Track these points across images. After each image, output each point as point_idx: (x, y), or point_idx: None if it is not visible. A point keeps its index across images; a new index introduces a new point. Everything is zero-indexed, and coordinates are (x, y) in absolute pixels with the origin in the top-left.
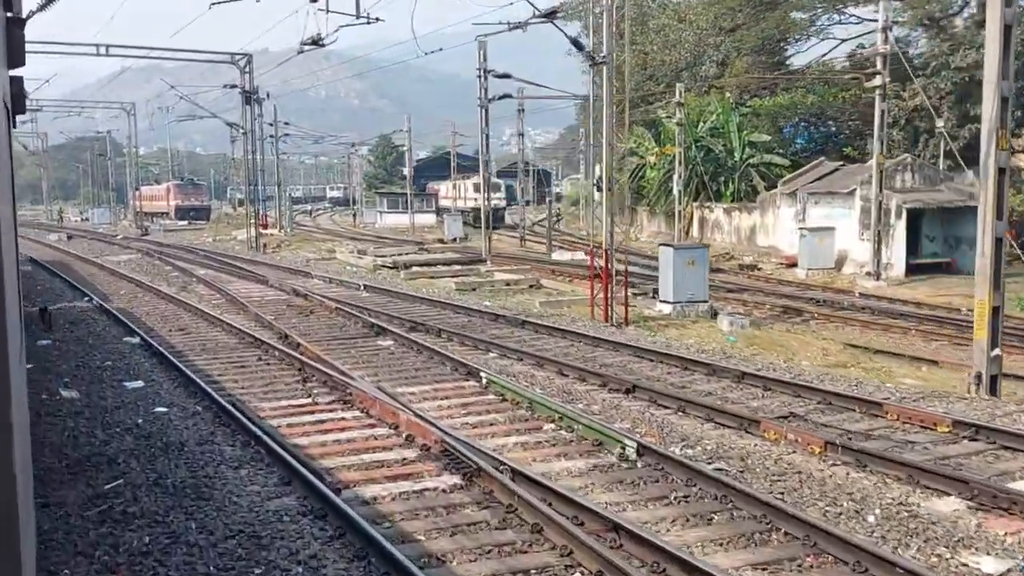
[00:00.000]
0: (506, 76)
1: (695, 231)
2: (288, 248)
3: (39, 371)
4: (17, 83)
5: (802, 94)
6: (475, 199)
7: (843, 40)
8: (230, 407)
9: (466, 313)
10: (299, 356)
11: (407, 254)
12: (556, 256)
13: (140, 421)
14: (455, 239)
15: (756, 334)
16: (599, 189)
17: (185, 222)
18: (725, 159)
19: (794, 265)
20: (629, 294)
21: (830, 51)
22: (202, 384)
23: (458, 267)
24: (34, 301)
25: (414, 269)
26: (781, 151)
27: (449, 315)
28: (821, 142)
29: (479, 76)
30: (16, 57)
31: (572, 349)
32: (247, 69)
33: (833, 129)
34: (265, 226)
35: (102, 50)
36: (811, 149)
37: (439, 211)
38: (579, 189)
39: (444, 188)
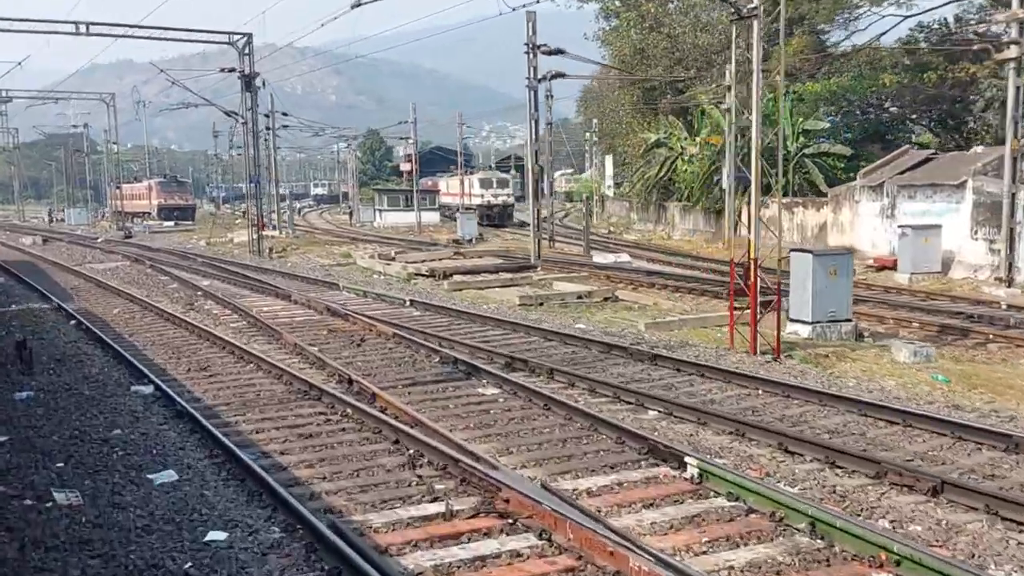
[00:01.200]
0: (559, 52)
1: (744, 229)
2: (296, 252)
3: (18, 449)
4: None
5: (849, 79)
6: (481, 195)
7: (899, 21)
8: (333, 536)
9: (561, 340)
10: (383, 416)
11: (440, 259)
12: (597, 259)
13: (189, 567)
14: (470, 239)
15: (959, 368)
16: (617, 185)
17: (171, 223)
18: (777, 148)
19: (886, 268)
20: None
21: (887, 31)
22: (271, 483)
23: (507, 275)
24: (7, 326)
25: (456, 278)
26: (837, 140)
27: (539, 343)
28: (869, 130)
29: (527, 52)
30: None
31: (755, 401)
32: (246, 50)
33: (874, 116)
34: (263, 227)
35: (81, 28)
36: (856, 138)
37: (441, 209)
38: (592, 184)
39: (445, 184)
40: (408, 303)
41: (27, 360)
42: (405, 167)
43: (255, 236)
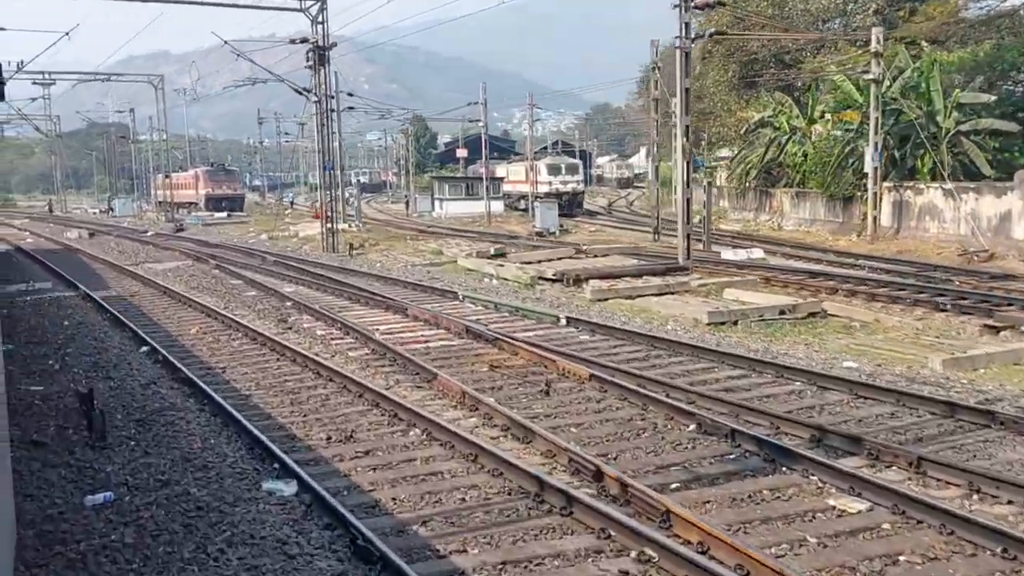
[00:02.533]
0: (719, 4)
1: (884, 218)
2: (375, 249)
3: None
4: None
5: (990, 47)
6: (549, 182)
7: None
8: None
9: (851, 391)
10: (713, 568)
11: (557, 258)
12: (727, 255)
13: None
14: (552, 231)
15: None
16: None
17: (223, 214)
18: (926, 125)
19: None
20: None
21: None
22: None
23: (656, 280)
24: (60, 357)
25: (593, 283)
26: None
27: (817, 395)
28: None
29: (678, 6)
30: None
31: None
32: (320, 18)
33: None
34: (319, 218)
35: None
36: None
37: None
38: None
39: (505, 171)
40: (563, 320)
41: (98, 426)
42: (461, 153)
43: (328, 230)
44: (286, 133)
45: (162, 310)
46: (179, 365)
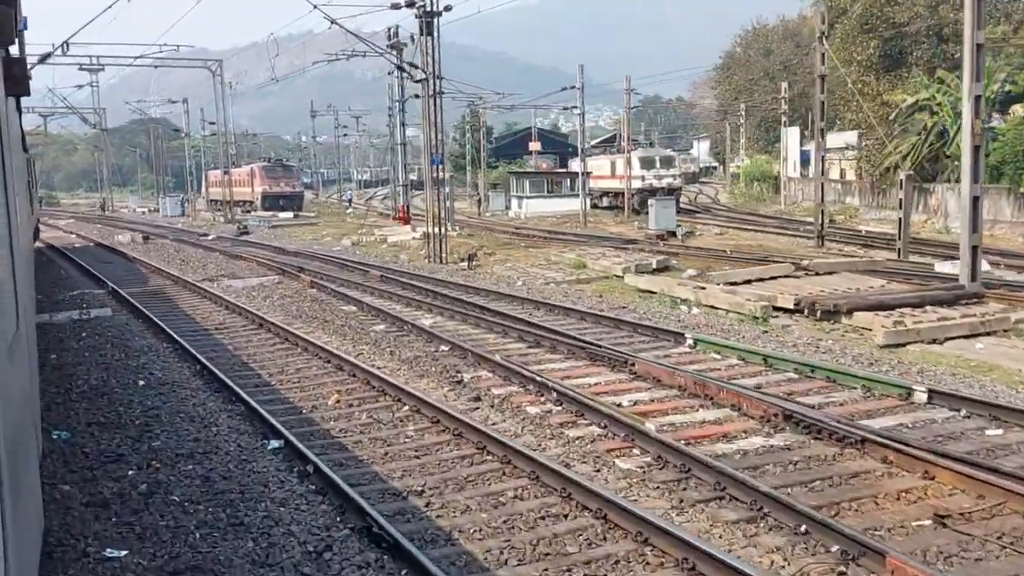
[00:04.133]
0: None
1: None
2: (494, 259)
3: None
4: (19, 65)
5: None
6: (642, 177)
7: None
8: None
9: None
10: None
11: (771, 277)
12: (940, 267)
13: None
14: (671, 233)
15: None
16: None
17: (289, 214)
18: None
19: None
20: None
21: None
22: None
23: (947, 312)
24: (145, 465)
25: (862, 317)
26: None
27: None
28: None
29: None
30: (4, 35)
31: None
32: None
33: None
34: (406, 221)
35: None
36: None
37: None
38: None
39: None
40: (925, 396)
41: None
42: (534, 146)
43: (434, 234)
44: (344, 126)
45: (269, 357)
46: (360, 501)
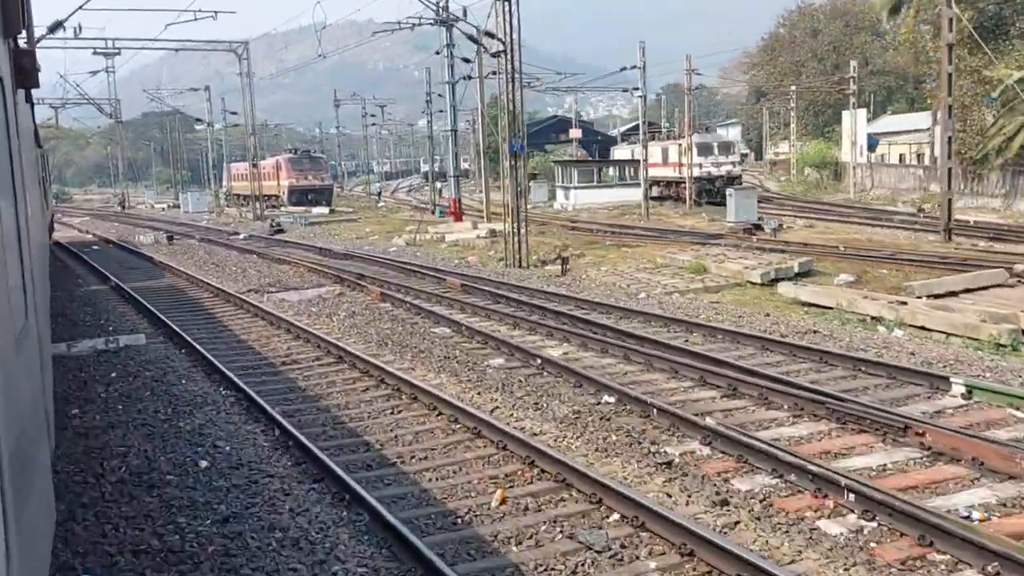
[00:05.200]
0: None
1: None
2: (580, 259)
3: None
4: (28, 56)
5: None
6: (699, 164)
7: None
8: None
9: None
10: None
11: (981, 287)
12: None
13: None
14: (755, 227)
15: None
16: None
17: (324, 209)
18: None
19: None
20: None
21: None
22: None
23: None
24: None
25: None
26: None
27: None
28: None
29: None
30: (12, 26)
31: None
32: None
33: None
34: (459, 217)
35: None
36: None
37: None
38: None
39: (630, 153)
40: None
41: None
42: (575, 133)
43: (512, 233)
44: (371, 115)
45: (369, 412)
46: None
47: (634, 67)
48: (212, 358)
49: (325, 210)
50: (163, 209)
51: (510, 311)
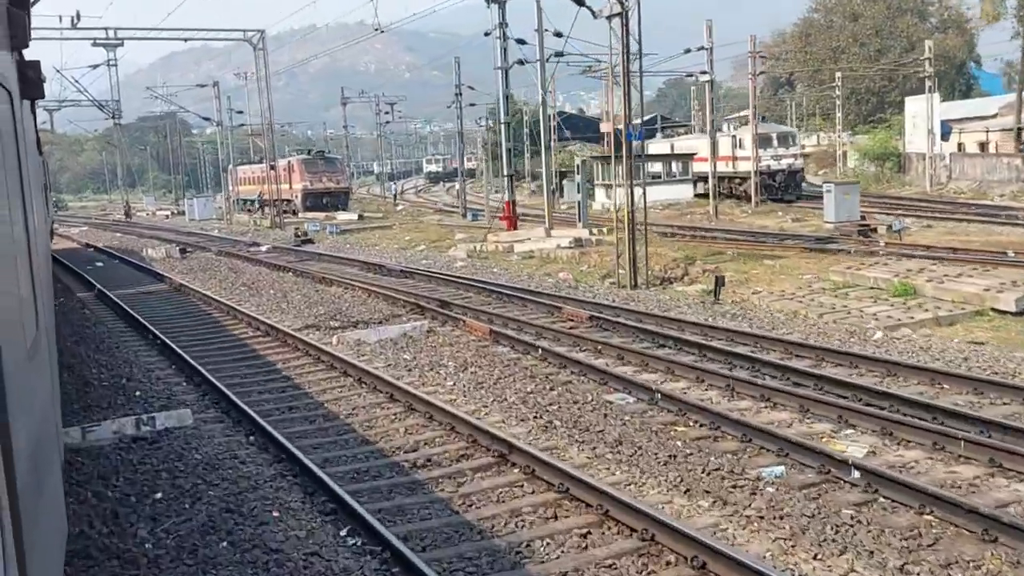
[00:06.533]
0: None
1: None
2: (699, 277)
3: None
4: (33, 68)
5: None
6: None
7: None
8: None
9: None
10: None
11: None
12: None
13: None
14: (868, 227)
15: None
16: None
17: (352, 215)
18: None
19: None
20: None
21: None
22: None
23: None
24: None
25: None
26: None
27: None
28: None
29: None
30: (19, 40)
31: None
32: None
33: None
34: (513, 223)
35: None
36: None
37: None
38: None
39: (670, 147)
40: None
41: None
42: (605, 127)
43: (627, 243)
44: (385, 113)
45: None
46: None
47: (700, 48)
48: (307, 461)
49: (353, 216)
50: (166, 217)
51: (688, 360)
